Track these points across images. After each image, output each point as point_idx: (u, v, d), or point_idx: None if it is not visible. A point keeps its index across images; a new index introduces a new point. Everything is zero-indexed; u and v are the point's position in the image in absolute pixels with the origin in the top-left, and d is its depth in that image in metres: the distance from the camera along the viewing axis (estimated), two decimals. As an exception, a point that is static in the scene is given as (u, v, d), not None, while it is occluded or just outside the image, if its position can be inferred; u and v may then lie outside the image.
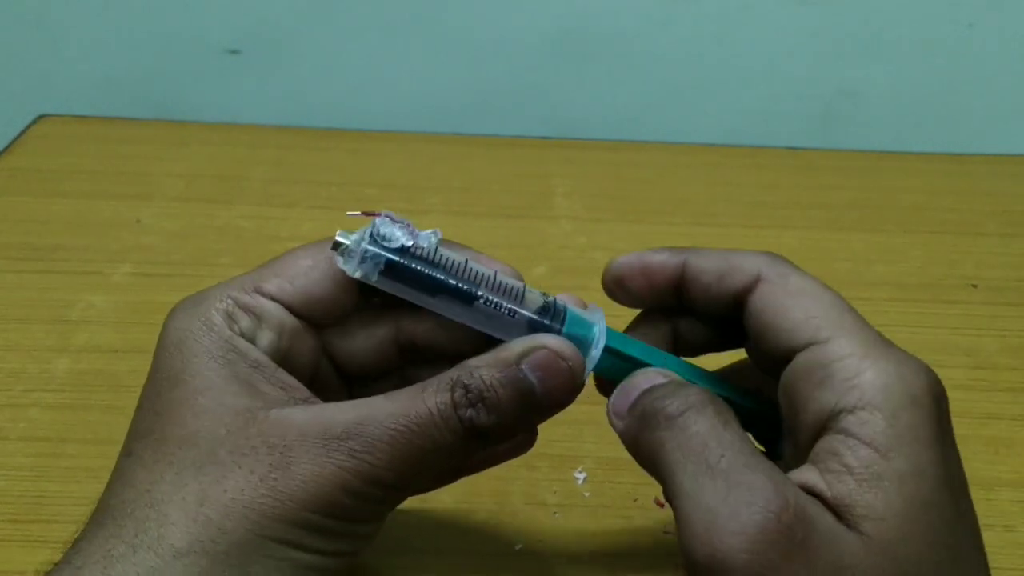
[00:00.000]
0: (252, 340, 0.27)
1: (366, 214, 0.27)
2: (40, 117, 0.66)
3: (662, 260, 0.29)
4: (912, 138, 0.70)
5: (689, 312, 0.30)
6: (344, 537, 0.26)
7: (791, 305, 0.27)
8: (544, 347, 0.27)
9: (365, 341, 0.30)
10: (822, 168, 0.64)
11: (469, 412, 0.26)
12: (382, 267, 0.26)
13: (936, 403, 0.25)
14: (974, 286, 0.52)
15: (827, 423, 0.25)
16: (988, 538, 0.37)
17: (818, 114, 0.72)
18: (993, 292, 0.52)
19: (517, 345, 0.27)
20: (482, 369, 0.26)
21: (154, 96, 0.72)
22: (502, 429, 0.26)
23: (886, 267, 0.54)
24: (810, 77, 0.71)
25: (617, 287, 0.30)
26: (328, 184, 0.60)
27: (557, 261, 0.53)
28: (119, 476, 0.26)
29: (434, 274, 0.27)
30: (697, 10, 0.68)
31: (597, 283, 0.45)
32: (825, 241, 0.56)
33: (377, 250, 0.26)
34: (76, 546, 0.25)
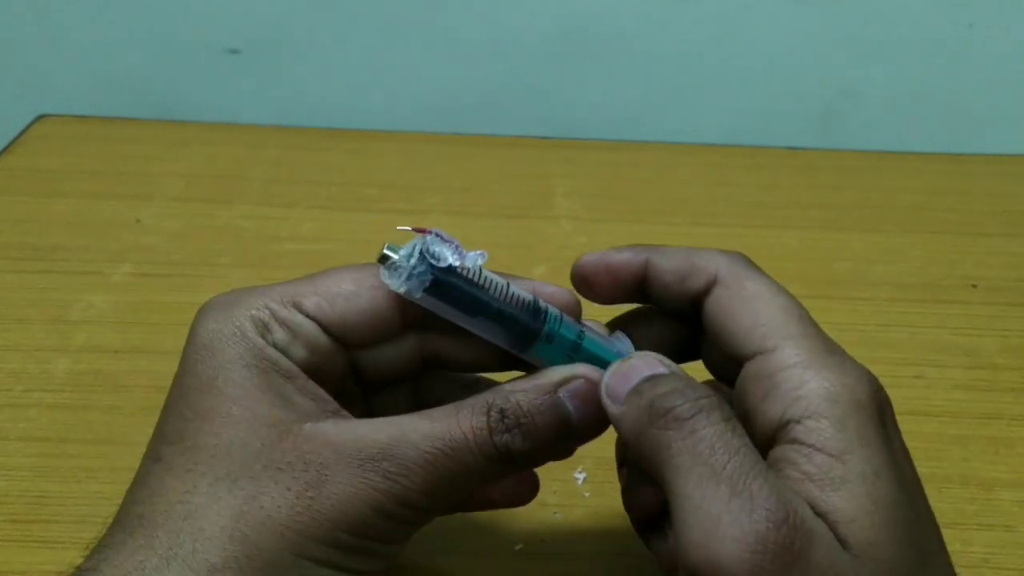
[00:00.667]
0: (285, 353, 0.27)
1: (416, 230, 0.26)
2: (40, 117, 0.66)
3: (625, 259, 0.29)
4: (912, 138, 0.70)
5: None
6: (373, 557, 0.26)
7: (742, 312, 0.27)
8: (583, 377, 0.27)
9: (392, 354, 0.29)
10: (822, 168, 0.64)
11: (505, 437, 0.26)
12: (427, 285, 0.26)
13: (880, 409, 0.25)
14: (974, 286, 0.52)
15: (777, 434, 0.25)
16: (988, 538, 0.37)
17: (818, 114, 0.72)
18: (993, 292, 0.52)
19: (556, 373, 0.27)
20: (519, 394, 0.26)
21: (154, 96, 0.72)
22: (535, 455, 0.26)
23: (886, 267, 0.54)
24: (810, 77, 0.71)
25: (583, 285, 0.30)
26: (328, 184, 0.60)
27: (557, 261, 0.53)
28: (147, 481, 0.25)
29: (478, 295, 0.27)
30: (697, 10, 0.68)
31: (597, 283, 0.45)
32: (825, 241, 0.56)
33: (424, 268, 0.26)
34: (102, 553, 0.24)
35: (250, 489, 0.24)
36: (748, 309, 0.27)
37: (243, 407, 0.25)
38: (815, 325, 0.27)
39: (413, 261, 0.26)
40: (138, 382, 0.42)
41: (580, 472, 0.39)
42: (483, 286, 0.27)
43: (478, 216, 0.57)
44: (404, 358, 0.29)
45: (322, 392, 0.27)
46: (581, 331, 0.28)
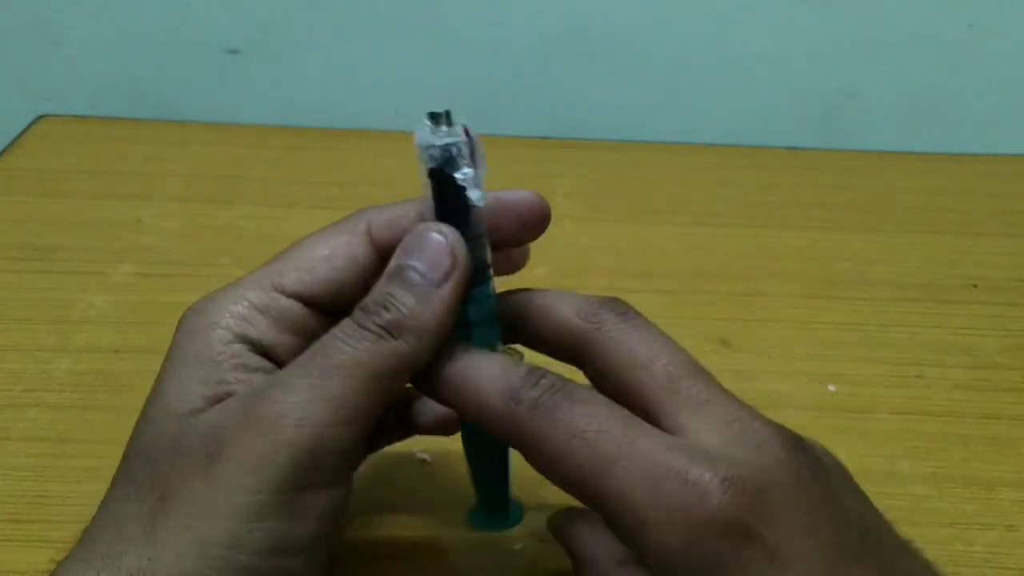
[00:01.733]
0: (270, 346, 0.26)
1: (466, 132, 0.28)
2: (40, 117, 0.66)
3: None
4: (912, 138, 0.70)
5: None
6: (305, 514, 0.24)
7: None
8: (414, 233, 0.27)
9: None
10: (822, 168, 0.64)
11: (373, 319, 0.25)
12: (433, 166, 0.27)
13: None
14: (974, 286, 0.52)
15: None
16: (990, 538, 0.37)
17: (818, 114, 0.72)
18: (993, 292, 0.52)
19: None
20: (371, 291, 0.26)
21: (154, 96, 0.72)
22: (414, 322, 0.25)
23: (886, 267, 0.54)
24: (810, 77, 0.71)
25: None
26: (328, 184, 0.60)
27: (558, 261, 0.52)
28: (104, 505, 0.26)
29: (461, 218, 0.27)
30: (697, 10, 0.68)
31: (599, 283, 0.45)
32: (825, 241, 0.56)
33: (455, 151, 0.27)
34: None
35: (160, 483, 0.24)
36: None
37: (173, 404, 0.25)
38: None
39: (448, 140, 0.27)
40: (138, 382, 0.42)
41: (581, 472, 0.39)
42: (470, 207, 0.28)
43: (478, 216, 0.57)
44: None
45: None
46: (492, 315, 0.28)
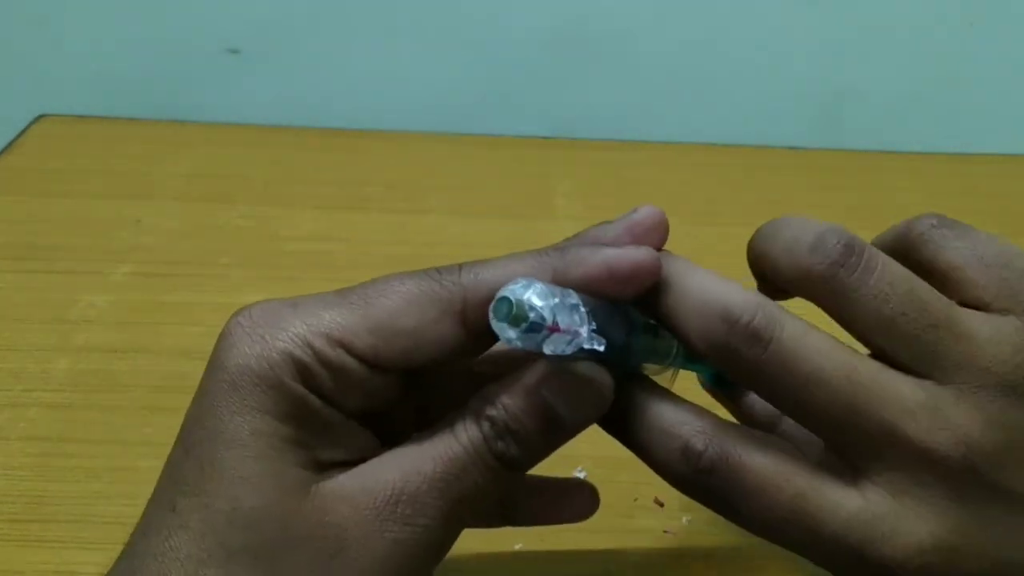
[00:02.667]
0: (330, 401, 0.24)
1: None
2: (40, 117, 0.66)
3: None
4: (912, 138, 0.70)
5: None
6: None
7: None
8: (564, 371, 0.25)
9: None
10: (822, 168, 0.64)
11: (500, 444, 0.24)
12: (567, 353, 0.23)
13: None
14: (974, 286, 0.52)
15: None
16: (988, 538, 0.37)
17: (818, 114, 0.72)
18: (993, 292, 0.52)
19: (537, 369, 0.25)
20: (504, 397, 0.24)
21: (154, 96, 0.72)
22: (534, 456, 0.25)
23: (886, 267, 0.53)
24: (810, 76, 0.71)
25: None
26: (328, 184, 0.60)
27: (557, 261, 0.52)
28: (159, 533, 0.24)
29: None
30: (697, 10, 0.68)
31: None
32: (825, 241, 0.56)
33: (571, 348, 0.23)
34: None
35: (267, 567, 0.23)
36: None
37: (266, 467, 0.23)
38: None
39: (570, 347, 0.22)
40: (138, 382, 0.42)
41: (580, 471, 0.39)
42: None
43: (478, 216, 0.57)
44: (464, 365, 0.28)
45: (356, 433, 0.25)
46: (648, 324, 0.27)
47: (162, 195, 0.58)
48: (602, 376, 0.25)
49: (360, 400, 0.25)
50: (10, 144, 0.63)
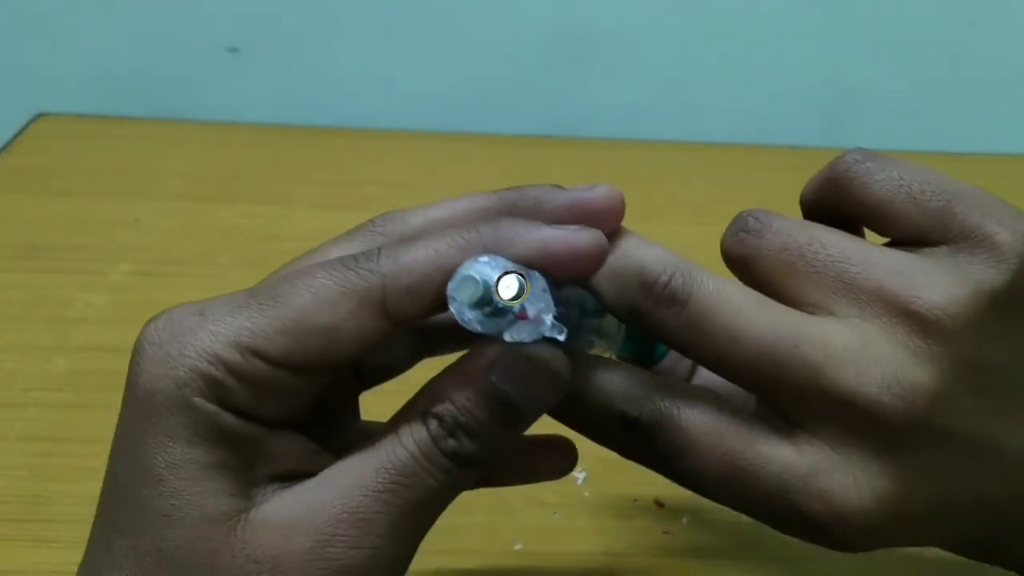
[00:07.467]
0: (250, 413, 0.22)
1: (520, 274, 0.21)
2: (39, 115, 0.66)
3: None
4: (912, 137, 0.70)
5: None
6: None
7: None
8: (514, 353, 0.22)
9: (384, 358, 0.27)
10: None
11: (451, 443, 0.22)
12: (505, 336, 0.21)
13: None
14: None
15: None
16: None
17: (819, 113, 0.72)
18: (994, 292, 0.52)
19: (484, 354, 0.22)
20: (448, 391, 0.22)
21: (154, 94, 0.71)
22: (492, 449, 0.23)
23: (887, 267, 0.53)
24: (811, 75, 0.71)
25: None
26: (328, 183, 0.60)
27: (557, 260, 0.52)
28: (98, 573, 0.23)
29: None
30: (697, 9, 0.68)
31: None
32: (825, 241, 0.56)
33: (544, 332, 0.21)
34: None
35: None
36: None
37: (186, 501, 0.22)
38: None
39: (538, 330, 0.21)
40: (137, 381, 0.42)
41: (580, 472, 0.39)
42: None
43: (478, 215, 0.57)
44: (401, 358, 0.28)
45: (285, 446, 0.23)
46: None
47: (161, 194, 0.58)
48: (556, 354, 0.23)
49: (286, 406, 0.23)
50: (9, 143, 0.63)
